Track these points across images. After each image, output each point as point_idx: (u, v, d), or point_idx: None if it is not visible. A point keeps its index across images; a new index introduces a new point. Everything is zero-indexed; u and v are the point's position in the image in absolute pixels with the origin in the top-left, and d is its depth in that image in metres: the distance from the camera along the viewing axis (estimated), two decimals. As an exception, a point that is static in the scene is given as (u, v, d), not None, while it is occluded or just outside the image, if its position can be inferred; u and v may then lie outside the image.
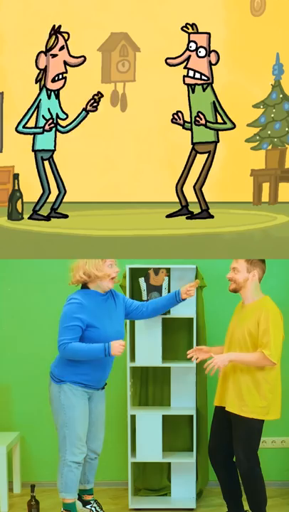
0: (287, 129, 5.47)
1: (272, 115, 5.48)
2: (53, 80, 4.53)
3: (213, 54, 4.55)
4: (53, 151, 4.62)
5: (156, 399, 5.36)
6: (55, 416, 4.52)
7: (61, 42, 4.52)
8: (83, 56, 4.56)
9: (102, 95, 4.59)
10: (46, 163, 4.62)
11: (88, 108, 4.58)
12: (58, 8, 5.57)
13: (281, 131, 5.47)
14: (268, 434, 5.34)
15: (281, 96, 5.48)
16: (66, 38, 4.53)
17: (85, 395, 4.49)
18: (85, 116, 4.60)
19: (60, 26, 4.52)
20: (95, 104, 4.58)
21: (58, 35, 4.51)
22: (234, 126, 4.57)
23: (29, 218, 4.66)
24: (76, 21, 5.56)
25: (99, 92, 4.59)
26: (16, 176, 4.79)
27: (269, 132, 5.49)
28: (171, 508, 5.13)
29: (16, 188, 4.76)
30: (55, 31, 4.51)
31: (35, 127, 4.55)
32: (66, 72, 4.55)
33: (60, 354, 4.45)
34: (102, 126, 5.63)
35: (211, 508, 5.15)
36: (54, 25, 4.52)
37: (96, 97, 4.58)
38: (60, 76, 4.54)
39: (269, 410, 4.40)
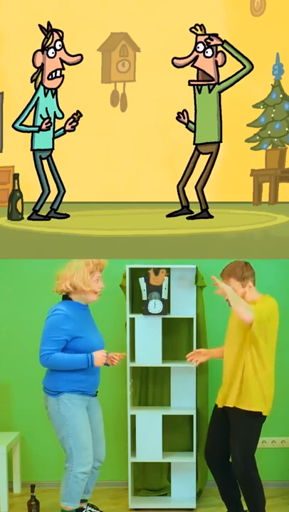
0: (287, 129, 5.47)
1: (272, 115, 5.48)
2: (50, 78, 4.54)
3: (220, 55, 4.54)
4: (51, 150, 4.62)
5: (156, 399, 5.35)
6: (58, 430, 4.46)
7: (56, 38, 4.52)
8: (80, 54, 4.57)
9: (82, 115, 4.59)
10: (45, 162, 4.63)
11: (67, 127, 4.60)
12: (57, 8, 5.57)
13: (281, 131, 5.47)
14: (268, 434, 5.34)
15: (281, 96, 5.48)
16: (61, 35, 4.54)
17: (83, 404, 4.47)
18: (63, 134, 4.62)
19: (48, 23, 4.53)
20: (74, 124, 4.59)
21: (54, 32, 4.52)
22: (252, 66, 4.50)
23: (29, 218, 4.66)
24: (76, 21, 5.57)
25: (78, 111, 4.60)
26: (15, 176, 4.79)
27: (269, 132, 5.49)
28: (171, 508, 5.13)
29: (16, 188, 4.77)
30: (50, 29, 4.52)
31: (33, 126, 4.56)
32: (63, 68, 4.56)
33: (41, 364, 4.43)
34: (102, 126, 5.64)
35: (211, 508, 5.15)
36: (48, 22, 4.53)
37: (75, 116, 4.59)
38: (57, 74, 4.55)
39: (265, 406, 4.40)
